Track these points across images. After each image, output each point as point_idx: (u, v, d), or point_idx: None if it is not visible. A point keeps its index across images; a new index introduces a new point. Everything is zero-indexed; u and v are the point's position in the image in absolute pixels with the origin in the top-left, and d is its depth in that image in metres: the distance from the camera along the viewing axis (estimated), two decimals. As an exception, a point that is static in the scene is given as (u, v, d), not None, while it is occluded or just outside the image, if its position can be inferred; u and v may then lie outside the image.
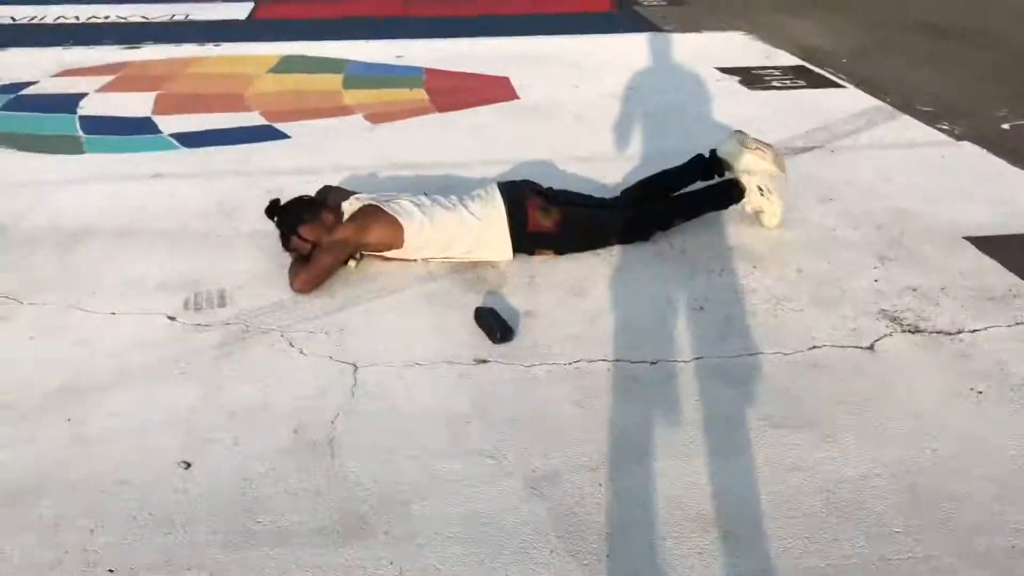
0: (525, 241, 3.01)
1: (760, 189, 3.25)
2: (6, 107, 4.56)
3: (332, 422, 2.19)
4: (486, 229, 2.97)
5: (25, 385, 2.34)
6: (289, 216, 2.93)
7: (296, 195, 3.05)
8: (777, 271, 2.99)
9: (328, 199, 3.06)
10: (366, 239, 2.89)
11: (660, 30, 6.43)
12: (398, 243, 2.91)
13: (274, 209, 2.98)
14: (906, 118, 4.56)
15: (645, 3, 7.35)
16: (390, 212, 2.91)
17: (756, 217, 3.28)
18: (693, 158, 3.40)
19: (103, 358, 2.45)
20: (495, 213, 2.98)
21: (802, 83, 5.17)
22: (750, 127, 4.30)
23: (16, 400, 2.28)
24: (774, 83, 5.17)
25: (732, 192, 3.28)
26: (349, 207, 2.98)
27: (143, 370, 2.40)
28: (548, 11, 7.20)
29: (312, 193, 3.14)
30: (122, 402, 2.27)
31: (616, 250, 3.11)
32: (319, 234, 2.87)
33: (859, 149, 4.13)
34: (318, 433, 2.15)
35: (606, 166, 3.88)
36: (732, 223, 3.33)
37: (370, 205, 2.95)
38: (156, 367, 2.42)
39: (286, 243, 2.92)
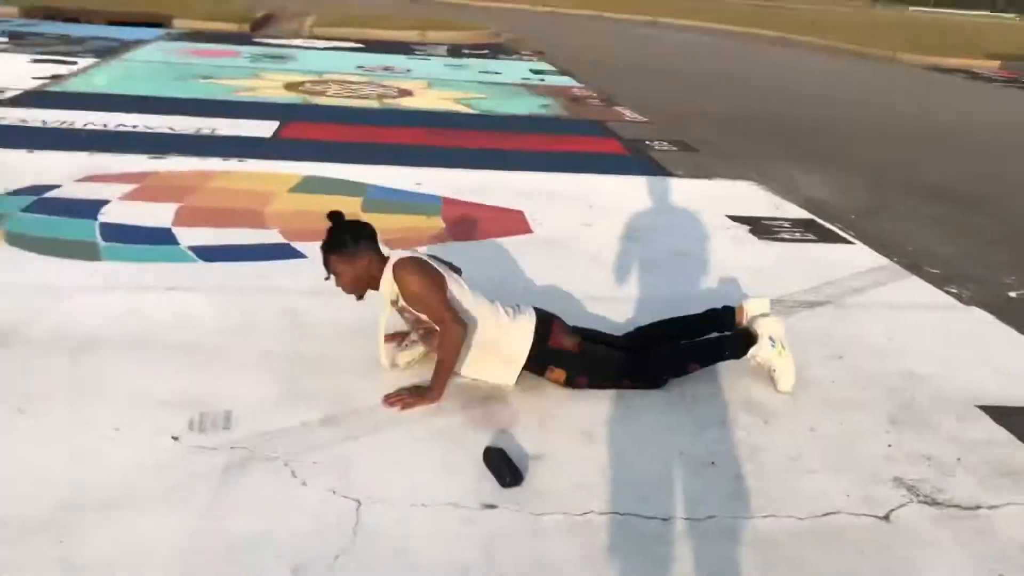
0: (543, 354, 3.03)
1: (772, 341, 3.25)
2: (28, 209, 4.62)
3: (332, 564, 2.12)
4: (514, 327, 3.03)
5: (21, 500, 2.27)
6: (353, 236, 3.04)
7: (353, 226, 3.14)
8: (789, 429, 2.96)
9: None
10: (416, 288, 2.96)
11: (672, 175, 6.59)
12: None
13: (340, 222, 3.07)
14: (914, 279, 4.62)
15: (657, 148, 7.57)
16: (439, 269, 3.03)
17: (770, 378, 3.26)
18: (708, 310, 3.43)
19: (103, 477, 2.40)
20: (525, 318, 3.07)
21: (811, 236, 5.26)
22: (760, 277, 4.39)
23: (9, 517, 2.21)
24: (783, 234, 5.26)
25: (749, 340, 3.28)
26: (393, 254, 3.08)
27: (143, 493, 2.34)
28: (563, 149, 7.41)
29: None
30: (119, 527, 2.20)
31: (626, 396, 3.09)
32: (368, 269, 3.00)
33: (868, 307, 4.16)
34: (317, 574, 2.08)
35: (616, 306, 3.90)
36: (743, 375, 3.31)
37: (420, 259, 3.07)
38: (156, 490, 2.35)
39: (335, 262, 3.04)
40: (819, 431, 2.95)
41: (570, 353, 3.07)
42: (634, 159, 7.14)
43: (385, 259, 3.07)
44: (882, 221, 5.78)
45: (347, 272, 3.05)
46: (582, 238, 4.90)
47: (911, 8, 54.62)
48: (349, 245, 3.04)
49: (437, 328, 2.98)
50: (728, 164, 7.14)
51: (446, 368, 2.96)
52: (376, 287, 3.08)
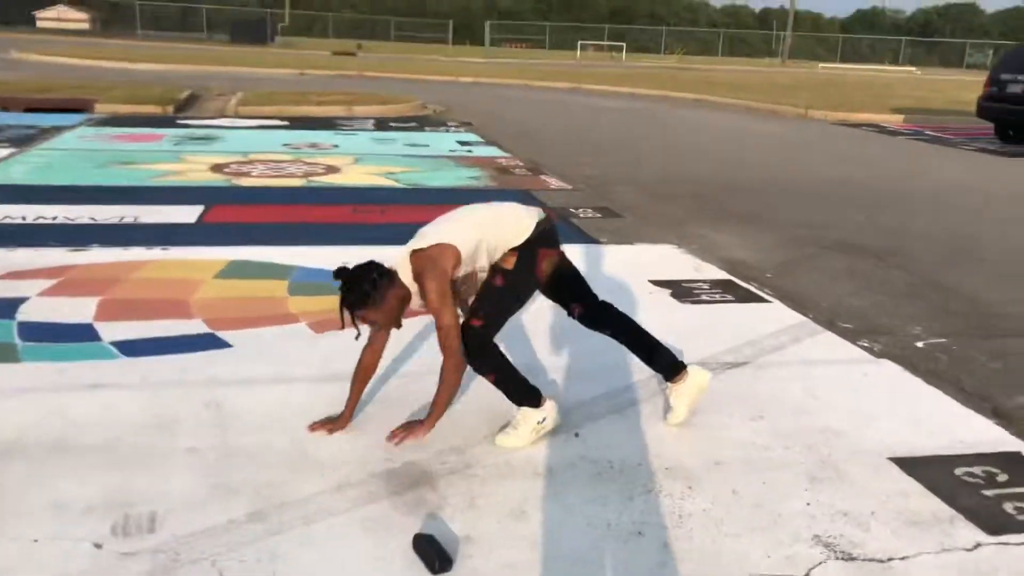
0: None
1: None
2: (-57, 310, 4.52)
3: (261, 665, 2.10)
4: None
5: (-67, 623, 2.21)
6: (372, 283, 3.08)
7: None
8: (713, 492, 3.04)
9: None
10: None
11: (596, 242, 6.76)
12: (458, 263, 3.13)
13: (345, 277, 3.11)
14: (829, 335, 4.80)
15: (582, 215, 7.76)
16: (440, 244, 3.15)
17: (666, 406, 3.55)
18: (664, 348, 3.60)
19: (21, 591, 2.34)
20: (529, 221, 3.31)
21: (730, 297, 5.44)
22: (682, 340, 4.51)
23: (-78, 641, 2.15)
24: (703, 296, 5.43)
25: (673, 367, 3.50)
26: (402, 264, 3.15)
27: (63, 605, 2.30)
28: (489, 220, 7.53)
29: None
30: (38, 643, 2.15)
31: (556, 470, 3.14)
32: (399, 300, 3.13)
33: (786, 365, 4.31)
34: (246, 678, 2.06)
35: (542, 380, 3.97)
36: (669, 441, 3.40)
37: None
38: (77, 602, 2.31)
39: (367, 316, 3.12)
40: (741, 493, 3.04)
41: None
42: (560, 227, 7.28)
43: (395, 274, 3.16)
44: (797, 277, 6.01)
45: (380, 316, 3.14)
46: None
47: (821, 66, 57.16)
48: (373, 295, 3.08)
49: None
50: (650, 229, 7.35)
51: (443, 401, 3.24)
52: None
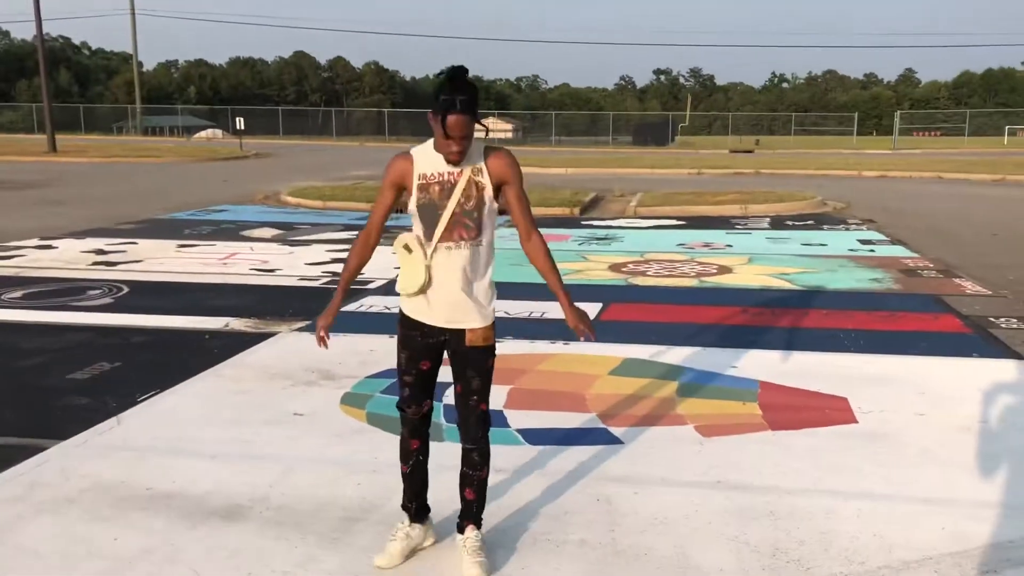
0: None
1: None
2: (387, 390, 5.29)
3: None
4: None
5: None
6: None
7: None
8: None
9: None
10: None
11: (1022, 357, 6.01)
12: None
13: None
14: None
15: (1005, 326, 6.95)
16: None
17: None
18: None
19: None
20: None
21: None
22: None
23: None
24: None
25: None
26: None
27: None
28: (894, 327, 7.06)
29: None
30: None
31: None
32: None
33: None
34: None
35: (951, 511, 3.60)
36: None
37: None
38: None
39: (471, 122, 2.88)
40: None
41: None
42: (977, 339, 6.61)
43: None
44: None
45: (470, 138, 2.94)
46: (914, 430, 4.61)
47: None
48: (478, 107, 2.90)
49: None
50: (1092, 344, 6.37)
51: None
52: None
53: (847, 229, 13.61)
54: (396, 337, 3.23)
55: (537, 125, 78.62)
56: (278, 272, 9.50)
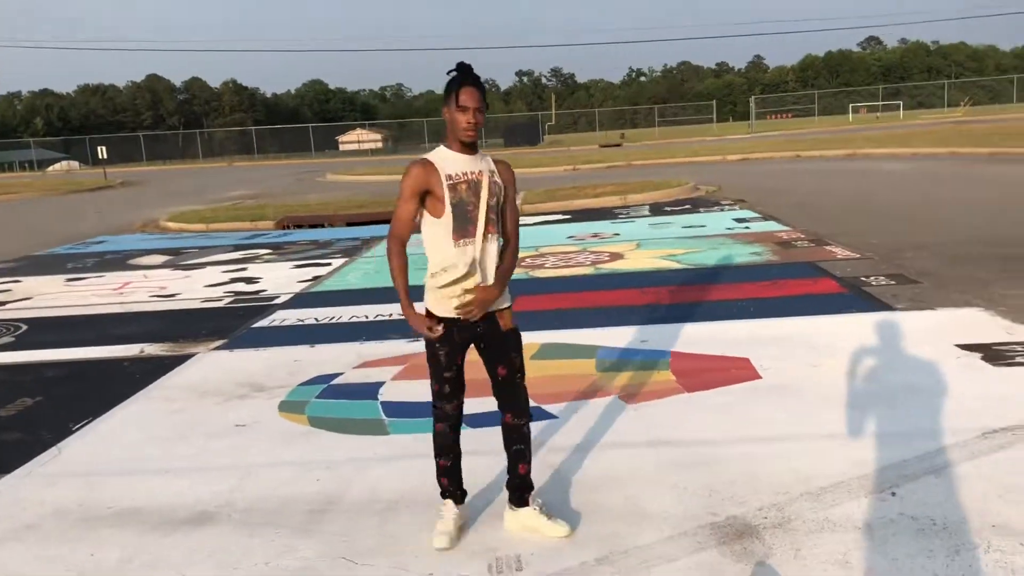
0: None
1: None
2: (321, 395, 5.47)
3: None
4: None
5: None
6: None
7: None
8: (1048, 549, 3.03)
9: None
10: None
11: (893, 309, 6.69)
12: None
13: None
14: None
15: (875, 283, 7.67)
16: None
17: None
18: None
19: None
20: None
21: (1051, 358, 5.20)
22: (1000, 404, 4.44)
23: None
24: (1019, 359, 5.24)
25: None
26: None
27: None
28: (779, 294, 7.67)
29: None
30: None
31: (876, 527, 3.28)
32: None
33: (1122, 425, 4.10)
34: None
35: (855, 444, 4.10)
36: (993, 500, 3.41)
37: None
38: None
39: (482, 97, 3.21)
40: (1080, 550, 3.00)
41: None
42: (853, 296, 7.28)
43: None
44: None
45: (483, 114, 3.25)
46: (811, 380, 5.13)
47: None
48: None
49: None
50: (951, 293, 7.13)
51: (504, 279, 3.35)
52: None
53: (722, 210, 14.43)
54: (427, 343, 3.38)
55: (406, 134, 78.56)
56: (179, 296, 9.42)
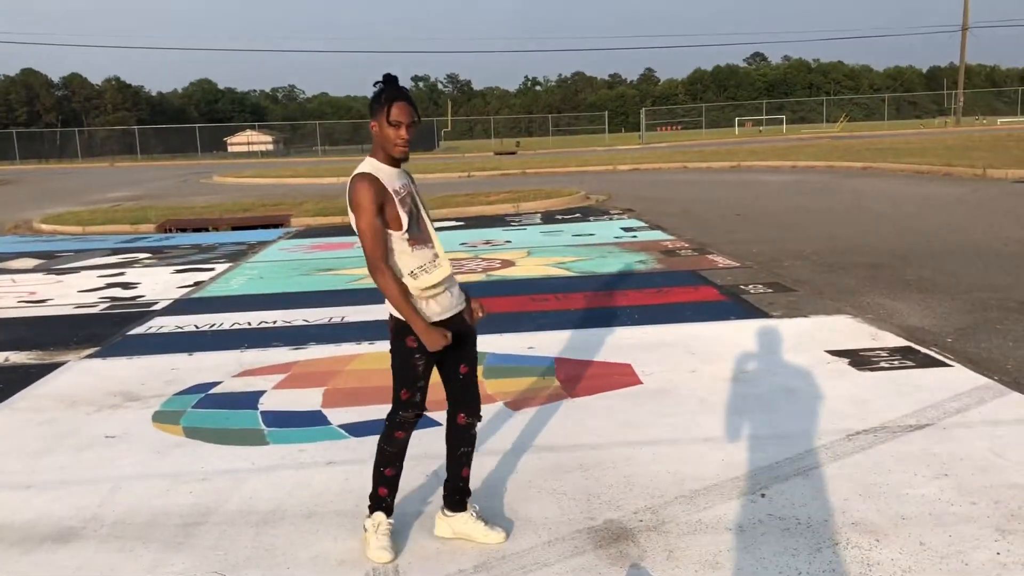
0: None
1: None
2: (198, 404, 5.30)
3: None
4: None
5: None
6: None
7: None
8: (899, 544, 3.21)
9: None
10: None
11: (769, 316, 6.95)
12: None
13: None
14: (1016, 395, 4.80)
15: (753, 291, 7.95)
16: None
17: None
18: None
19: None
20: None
21: (909, 363, 5.50)
22: (862, 406, 4.67)
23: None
24: (882, 364, 5.52)
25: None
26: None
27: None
28: (662, 301, 7.87)
29: None
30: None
31: (745, 527, 3.39)
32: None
33: (970, 426, 4.37)
34: None
35: (728, 447, 4.23)
36: (854, 500, 3.58)
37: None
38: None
39: (414, 112, 3.17)
40: (928, 544, 3.19)
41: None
42: (732, 304, 7.53)
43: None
44: (979, 341, 5.97)
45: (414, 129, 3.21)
46: (689, 384, 5.28)
47: (1000, 121, 54.26)
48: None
49: None
50: (824, 301, 7.46)
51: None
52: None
53: (611, 219, 14.71)
54: (403, 349, 3.30)
55: (298, 136, 77.19)
56: (50, 302, 8.98)
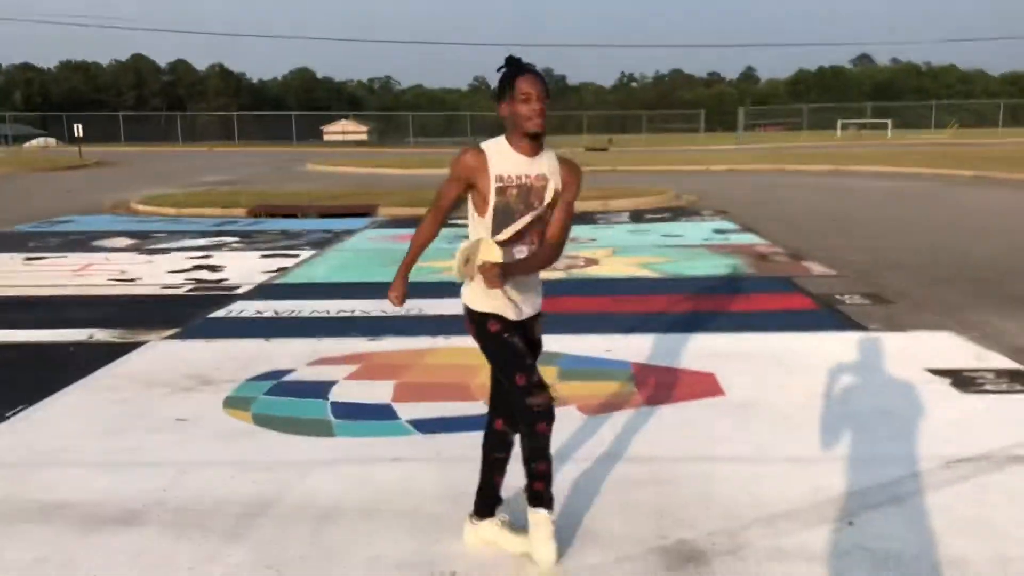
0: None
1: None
2: (270, 392, 5.27)
3: None
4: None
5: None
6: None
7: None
8: (1006, 591, 2.90)
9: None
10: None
11: (866, 329, 6.56)
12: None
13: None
14: None
15: (849, 302, 7.55)
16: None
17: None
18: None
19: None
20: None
21: (1019, 387, 5.09)
22: (964, 432, 4.32)
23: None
24: (987, 386, 5.12)
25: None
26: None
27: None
28: (751, 308, 7.54)
29: None
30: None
31: (829, 557, 3.13)
32: None
33: (1089, 461, 3.98)
34: None
35: (816, 469, 3.95)
36: (952, 534, 3.27)
37: None
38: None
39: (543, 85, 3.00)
40: (1040, 594, 2.87)
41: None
42: (825, 314, 7.16)
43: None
44: (1100, 367, 5.50)
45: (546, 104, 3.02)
46: (776, 399, 4.99)
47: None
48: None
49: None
50: (925, 315, 7.02)
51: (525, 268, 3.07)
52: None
53: (702, 220, 14.32)
54: (489, 336, 3.13)
55: (392, 127, 78.19)
56: (139, 282, 9.18)
